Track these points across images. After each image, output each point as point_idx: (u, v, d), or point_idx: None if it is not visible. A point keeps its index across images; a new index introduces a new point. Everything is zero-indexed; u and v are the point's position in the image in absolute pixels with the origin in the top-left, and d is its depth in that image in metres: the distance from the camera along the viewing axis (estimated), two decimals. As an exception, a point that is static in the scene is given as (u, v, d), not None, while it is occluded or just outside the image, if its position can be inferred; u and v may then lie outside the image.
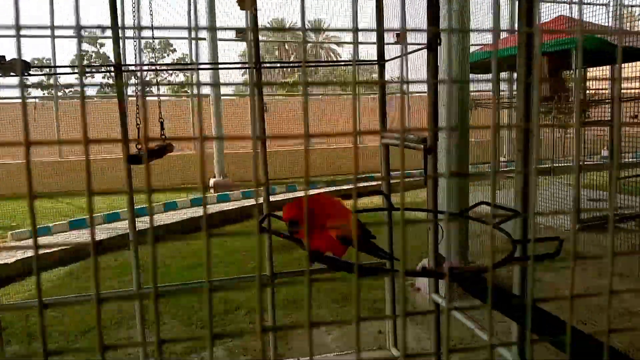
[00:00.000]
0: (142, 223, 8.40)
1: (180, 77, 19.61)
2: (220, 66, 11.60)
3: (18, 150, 11.91)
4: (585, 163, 7.76)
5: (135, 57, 3.89)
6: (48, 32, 11.98)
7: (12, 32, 0.50)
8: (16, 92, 11.88)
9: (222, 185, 11.61)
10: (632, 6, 9.23)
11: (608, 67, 7.42)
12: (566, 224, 6.47)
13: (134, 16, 4.86)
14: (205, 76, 10.39)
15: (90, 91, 16.92)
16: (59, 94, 14.51)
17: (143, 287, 3.51)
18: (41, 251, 6.69)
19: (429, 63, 2.84)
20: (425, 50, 2.85)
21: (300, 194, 10.88)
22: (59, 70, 10.93)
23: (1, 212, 9.17)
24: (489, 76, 8.30)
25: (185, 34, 12.93)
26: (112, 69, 3.16)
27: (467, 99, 4.80)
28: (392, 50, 6.73)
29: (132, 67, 4.31)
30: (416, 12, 8.87)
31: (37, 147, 12.57)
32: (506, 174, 8.13)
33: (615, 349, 1.23)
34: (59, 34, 12.18)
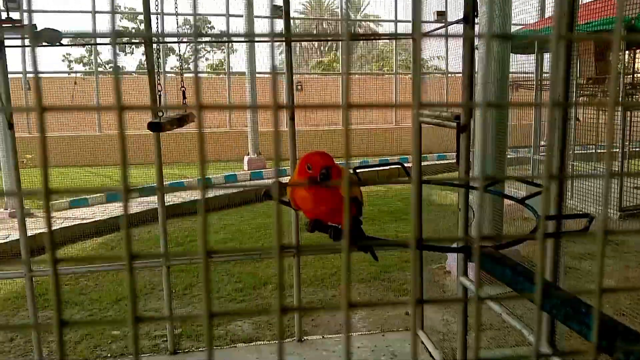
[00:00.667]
0: (176, 197, 8.54)
1: (218, 55, 19.69)
2: (250, 39, 11.55)
3: (59, 124, 12.23)
4: (632, 150, 7.42)
5: (157, 26, 3.87)
6: (89, 7, 12.17)
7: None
8: (53, 67, 12.15)
9: (256, 163, 11.67)
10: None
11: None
12: (609, 212, 6.21)
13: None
14: (241, 55, 10.39)
15: (130, 67, 17.18)
16: (100, 69, 14.79)
17: (171, 258, 3.54)
18: (77, 222, 6.87)
19: (466, 36, 2.72)
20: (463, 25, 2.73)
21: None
22: (93, 42, 11.10)
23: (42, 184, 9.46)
24: (532, 57, 8.00)
25: (223, 10, 12.92)
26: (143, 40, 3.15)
27: (506, 77, 4.62)
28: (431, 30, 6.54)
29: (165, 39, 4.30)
30: (457, -11, 8.59)
31: (79, 122, 12.88)
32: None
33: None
34: (99, 9, 12.36)
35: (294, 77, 3.76)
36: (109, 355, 3.66)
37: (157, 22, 4.67)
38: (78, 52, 18.50)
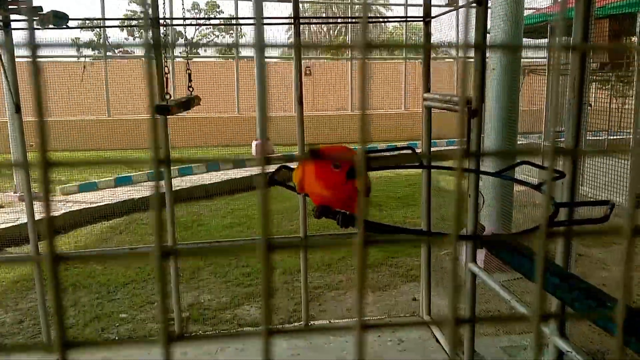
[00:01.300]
0: (185, 182, 8.55)
1: (227, 39, 19.58)
2: (259, 22, 11.46)
3: (70, 109, 12.25)
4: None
5: (164, 8, 3.84)
6: (97, -10, 12.11)
7: None
8: (60, 51, 12.14)
9: (263, 149, 11.64)
10: None
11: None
12: (620, 200, 6.14)
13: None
14: (250, 39, 10.30)
15: (138, 51, 17.13)
16: (108, 53, 14.75)
17: (178, 242, 3.54)
18: (87, 206, 6.89)
19: (478, 19, 2.66)
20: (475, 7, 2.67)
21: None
22: (100, 25, 11.06)
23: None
24: (544, 41, 7.87)
25: (231, -6, 12.82)
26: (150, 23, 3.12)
27: (518, 62, 4.54)
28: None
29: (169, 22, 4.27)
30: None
31: (88, 106, 12.90)
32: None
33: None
34: (107, -7, 12.29)
35: (303, 62, 3.71)
36: (116, 338, 3.69)
37: (164, 5, 4.63)
38: (87, 36, 18.48)
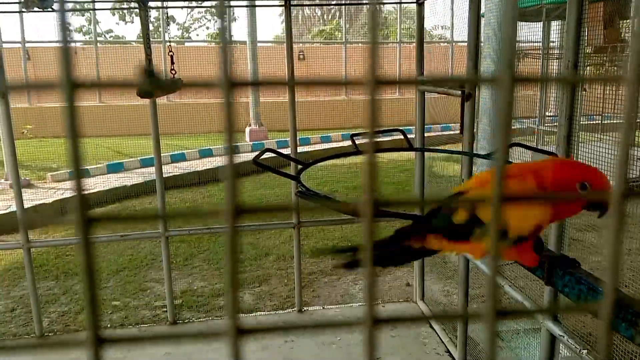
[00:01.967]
0: (177, 169, 8.49)
1: (218, 24, 19.39)
2: (247, 3, 11.35)
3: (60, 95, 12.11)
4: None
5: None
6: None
7: None
8: (51, 35, 11.96)
9: (257, 133, 11.58)
10: None
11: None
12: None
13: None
14: (243, 26, 10.19)
15: (130, 36, 16.93)
16: (99, 38, 14.58)
17: (169, 229, 3.51)
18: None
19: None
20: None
21: (332, 145, 10.75)
22: (87, 8, 10.91)
23: (42, 155, 9.42)
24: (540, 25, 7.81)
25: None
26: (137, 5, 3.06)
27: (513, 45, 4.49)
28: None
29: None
30: (463, -46, 8.35)
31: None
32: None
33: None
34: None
35: (296, 46, 3.66)
36: (109, 325, 3.67)
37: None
38: (77, 21, 18.24)
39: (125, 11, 18.29)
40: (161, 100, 11.46)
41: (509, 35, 3.79)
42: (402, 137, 2.12)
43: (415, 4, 3.40)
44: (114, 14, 18.64)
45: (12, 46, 11.89)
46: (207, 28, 22.26)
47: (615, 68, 7.10)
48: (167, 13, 4.58)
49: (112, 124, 11.65)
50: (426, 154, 3.69)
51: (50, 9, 2.99)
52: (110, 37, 19.73)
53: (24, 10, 2.90)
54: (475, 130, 3.12)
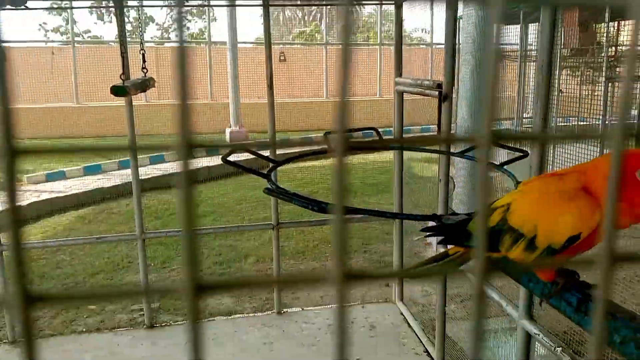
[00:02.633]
0: (158, 170, 8.40)
1: (199, 24, 19.26)
2: (232, 3, 11.30)
3: (37, 96, 11.91)
4: (612, 122, 7.43)
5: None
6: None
7: None
8: (32, 36, 11.76)
9: (238, 136, 11.51)
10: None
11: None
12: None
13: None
14: (223, 27, 10.13)
15: (108, 36, 16.75)
16: (77, 38, 14.38)
17: (146, 231, 3.47)
18: (55, 195, 6.72)
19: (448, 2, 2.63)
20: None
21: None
22: (62, 7, 10.75)
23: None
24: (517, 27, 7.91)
25: (202, -22, 12.56)
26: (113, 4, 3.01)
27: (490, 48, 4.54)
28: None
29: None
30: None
31: (55, 93, 12.55)
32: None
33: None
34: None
35: (277, 47, 3.65)
36: (84, 330, 3.60)
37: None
38: (55, 21, 17.98)
39: (103, 11, 18.09)
40: (139, 101, 11.34)
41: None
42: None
43: (393, 6, 3.42)
44: (91, 13, 18.40)
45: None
46: (188, 28, 22.10)
47: (591, 70, 7.23)
48: (145, 13, 4.52)
49: (87, 126, 11.48)
50: (404, 154, 3.71)
51: (23, 7, 2.94)
52: (88, 37, 19.46)
53: (-5, 7, 2.83)
54: (453, 131, 3.14)
